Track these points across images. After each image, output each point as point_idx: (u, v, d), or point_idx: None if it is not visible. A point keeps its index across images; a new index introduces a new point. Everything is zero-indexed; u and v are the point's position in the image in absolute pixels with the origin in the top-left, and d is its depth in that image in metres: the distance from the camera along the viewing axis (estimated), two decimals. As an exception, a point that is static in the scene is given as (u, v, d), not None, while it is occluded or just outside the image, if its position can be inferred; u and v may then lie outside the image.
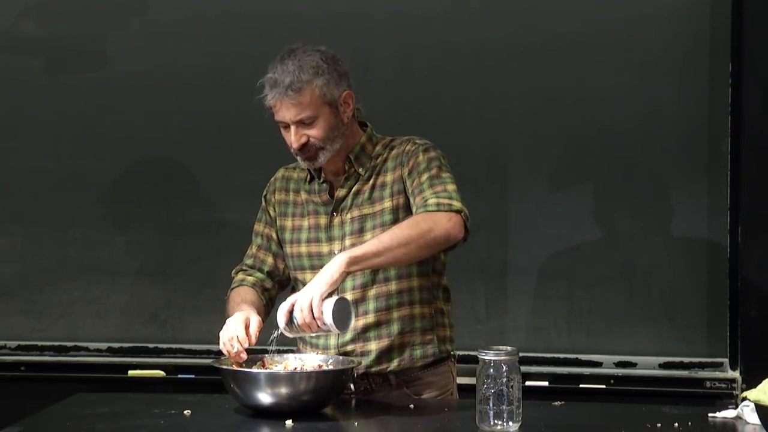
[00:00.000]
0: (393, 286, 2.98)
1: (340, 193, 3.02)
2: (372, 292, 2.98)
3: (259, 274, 3.11)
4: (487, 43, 4.05)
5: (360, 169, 3.01)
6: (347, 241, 2.98)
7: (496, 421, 2.52)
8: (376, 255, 2.78)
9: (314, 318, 2.70)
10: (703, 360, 3.98)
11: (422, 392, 3.02)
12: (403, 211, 2.97)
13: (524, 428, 2.54)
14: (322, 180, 3.05)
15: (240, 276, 3.13)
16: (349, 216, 3.00)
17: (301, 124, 2.93)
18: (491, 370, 2.52)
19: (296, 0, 4.12)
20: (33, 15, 4.22)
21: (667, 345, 3.99)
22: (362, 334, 2.97)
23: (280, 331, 2.77)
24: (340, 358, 2.89)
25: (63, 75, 4.22)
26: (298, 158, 2.99)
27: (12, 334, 4.24)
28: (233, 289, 3.10)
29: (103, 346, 4.20)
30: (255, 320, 2.86)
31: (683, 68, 3.98)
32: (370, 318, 2.98)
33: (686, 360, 3.96)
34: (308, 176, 3.07)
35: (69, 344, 4.21)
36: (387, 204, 2.98)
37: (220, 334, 2.85)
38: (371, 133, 3.07)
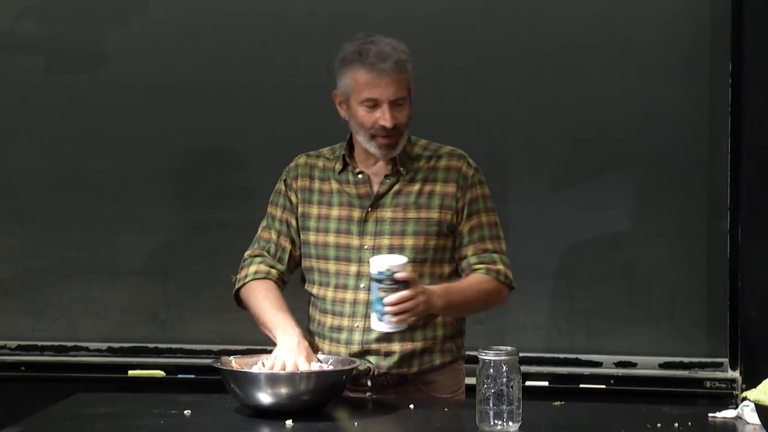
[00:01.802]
0: None
1: (381, 189, 3.00)
2: None
3: (280, 266, 3.06)
4: (487, 43, 4.05)
5: (402, 169, 3.00)
6: (385, 240, 2.97)
7: (496, 421, 2.52)
8: (453, 307, 2.95)
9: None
10: (703, 360, 3.99)
11: (436, 391, 3.03)
12: (446, 227, 2.99)
13: (524, 428, 2.54)
14: (357, 171, 3.02)
15: (263, 267, 3.05)
16: (389, 215, 2.99)
17: (394, 104, 2.92)
18: (491, 370, 2.52)
19: (296, 0, 4.12)
20: (33, 15, 4.22)
21: (667, 345, 3.99)
22: (388, 335, 2.94)
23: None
24: (341, 358, 2.89)
25: (63, 75, 4.22)
26: (377, 141, 2.93)
27: (12, 334, 4.24)
28: (258, 279, 3.03)
29: (103, 346, 4.20)
30: (309, 355, 2.83)
31: (683, 68, 3.99)
32: None
33: (686, 360, 3.96)
34: (341, 166, 3.03)
35: (69, 344, 4.21)
36: (434, 215, 2.99)
37: (279, 353, 2.80)
38: (412, 135, 3.06)
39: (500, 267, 3.04)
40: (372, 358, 2.97)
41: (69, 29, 4.21)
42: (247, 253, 3.11)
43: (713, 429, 2.63)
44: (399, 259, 2.78)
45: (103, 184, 4.21)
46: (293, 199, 3.08)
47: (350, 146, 3.05)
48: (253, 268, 3.06)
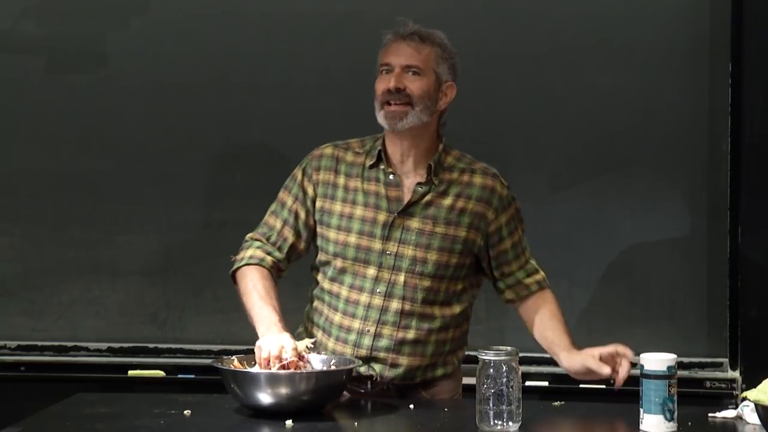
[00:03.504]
0: (437, 310, 2.98)
1: (413, 197, 2.96)
2: (418, 309, 2.96)
3: (277, 254, 3.02)
4: (487, 43, 4.05)
5: (434, 178, 2.97)
6: (409, 250, 2.94)
7: (496, 421, 2.52)
8: None
9: None
10: (703, 360, 3.99)
11: (435, 395, 3.03)
12: (471, 246, 2.99)
13: (524, 428, 2.54)
14: (390, 172, 2.98)
15: (259, 252, 3.02)
16: (417, 225, 2.95)
17: (406, 71, 2.93)
18: (491, 370, 2.52)
19: (296, 0, 4.12)
20: (33, 15, 4.22)
21: (667, 345, 3.97)
22: (398, 346, 2.94)
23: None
24: (341, 358, 2.89)
25: (63, 75, 4.22)
26: (384, 110, 2.92)
27: (12, 334, 4.23)
28: (252, 265, 3.00)
29: (103, 346, 4.20)
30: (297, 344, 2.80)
31: (683, 68, 3.99)
32: (410, 334, 2.96)
33: (686, 360, 3.96)
34: (372, 161, 2.99)
35: (69, 344, 4.21)
36: (462, 233, 2.98)
37: (264, 345, 2.77)
38: (446, 144, 3.05)
39: (540, 274, 3.12)
40: (377, 366, 2.95)
41: (69, 29, 4.21)
42: (249, 234, 3.09)
43: (713, 429, 2.63)
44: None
45: (103, 184, 4.21)
46: (310, 191, 3.03)
47: (383, 143, 3.02)
48: (249, 252, 3.03)
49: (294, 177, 3.07)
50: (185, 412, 2.72)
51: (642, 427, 2.56)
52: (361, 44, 4.05)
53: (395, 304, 2.93)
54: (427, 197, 2.96)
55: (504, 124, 4.07)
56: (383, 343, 2.93)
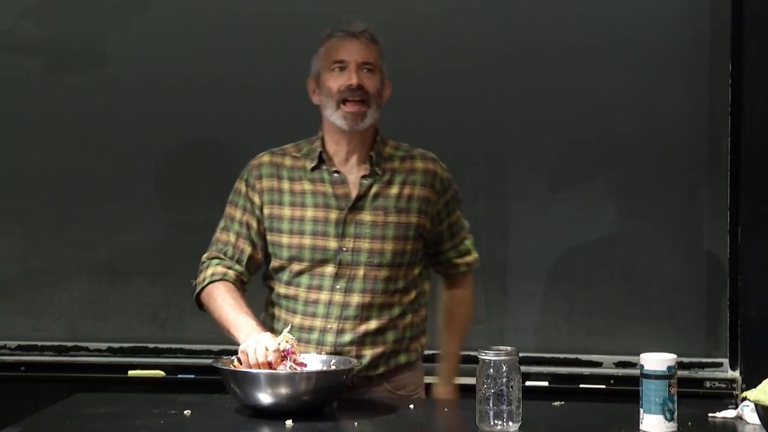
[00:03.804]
0: (396, 297, 3.01)
1: (360, 190, 2.99)
2: (379, 300, 2.98)
3: (238, 267, 3.02)
4: (487, 43, 4.05)
5: (377, 169, 3.00)
6: (365, 243, 2.96)
7: (496, 422, 2.52)
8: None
9: None
10: (703, 360, 3.99)
11: (399, 389, 3.04)
12: (422, 231, 3.02)
13: (524, 428, 2.54)
14: (334, 170, 3.00)
15: (220, 268, 3.01)
16: (369, 218, 2.98)
17: (362, 67, 2.96)
18: (491, 370, 2.52)
19: (296, 0, 4.12)
20: (33, 15, 4.22)
21: (667, 345, 3.97)
22: (361, 338, 2.97)
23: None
24: (341, 358, 2.89)
25: (63, 75, 4.22)
26: (343, 110, 2.93)
27: (12, 334, 4.24)
28: (215, 281, 2.99)
29: (103, 346, 4.20)
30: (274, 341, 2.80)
31: (683, 68, 3.99)
32: (372, 325, 2.98)
33: (686, 360, 3.96)
34: (314, 163, 3.01)
35: (69, 344, 4.21)
36: (414, 219, 3.01)
37: (249, 349, 2.75)
38: (381, 134, 3.07)
39: (472, 256, 3.19)
40: None
41: (69, 29, 4.21)
42: (204, 256, 3.08)
43: (713, 429, 2.63)
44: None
45: (103, 184, 4.21)
46: (256, 200, 3.03)
47: (322, 143, 3.04)
48: (210, 271, 3.02)
49: (237, 190, 3.08)
50: (185, 412, 2.72)
51: (642, 427, 2.56)
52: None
53: (356, 298, 2.96)
54: (374, 189, 2.99)
55: (504, 124, 4.07)
56: (346, 338, 2.96)
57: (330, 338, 2.97)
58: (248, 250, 3.03)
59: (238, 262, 3.03)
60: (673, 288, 4.01)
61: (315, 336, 2.97)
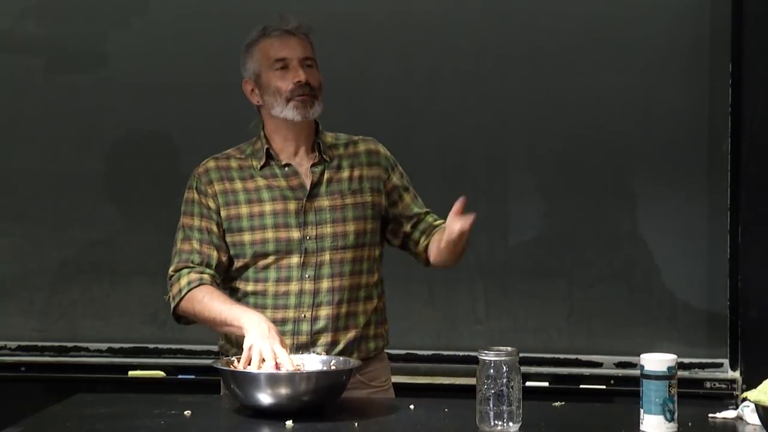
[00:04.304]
0: (363, 279, 3.04)
1: (314, 178, 3.02)
2: (347, 282, 3.01)
3: (209, 271, 2.99)
4: (487, 43, 4.05)
5: (326, 156, 3.04)
6: (327, 228, 2.99)
7: (496, 422, 2.52)
8: None
9: None
10: (703, 360, 3.99)
11: (371, 380, 3.06)
12: (378, 209, 3.07)
13: (524, 429, 2.54)
14: (284, 164, 3.02)
15: (194, 275, 2.97)
16: (327, 203, 3.01)
17: (305, 63, 2.99)
18: (491, 371, 2.52)
19: (296, 0, 4.12)
20: (33, 15, 4.22)
21: (667, 345, 3.99)
22: (335, 323, 2.99)
23: None
24: (341, 358, 2.89)
25: (63, 75, 4.22)
26: (293, 103, 2.96)
27: (12, 334, 4.24)
28: (194, 287, 2.94)
29: (104, 346, 4.20)
30: (282, 340, 2.79)
31: (683, 68, 3.99)
32: (343, 309, 3.00)
33: (686, 360, 3.96)
34: (262, 162, 3.03)
35: (69, 345, 4.21)
36: (368, 198, 3.05)
37: (254, 342, 2.73)
38: (320, 126, 3.11)
39: (438, 220, 3.12)
40: (319, 348, 2.98)
41: (69, 29, 4.21)
42: (171, 269, 3.03)
43: (713, 429, 2.63)
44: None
45: (103, 184, 4.21)
46: (211, 204, 3.02)
47: (267, 142, 3.06)
48: (184, 281, 2.98)
49: (189, 200, 3.07)
50: (185, 412, 2.72)
51: (642, 427, 2.56)
52: (362, 45, 4.07)
53: (326, 284, 2.98)
54: (327, 175, 3.03)
55: (503, 124, 4.07)
56: (321, 324, 2.98)
57: (305, 327, 2.98)
58: (214, 254, 3.01)
59: (208, 266, 3.00)
60: (673, 288, 4.01)
61: (290, 327, 2.97)
